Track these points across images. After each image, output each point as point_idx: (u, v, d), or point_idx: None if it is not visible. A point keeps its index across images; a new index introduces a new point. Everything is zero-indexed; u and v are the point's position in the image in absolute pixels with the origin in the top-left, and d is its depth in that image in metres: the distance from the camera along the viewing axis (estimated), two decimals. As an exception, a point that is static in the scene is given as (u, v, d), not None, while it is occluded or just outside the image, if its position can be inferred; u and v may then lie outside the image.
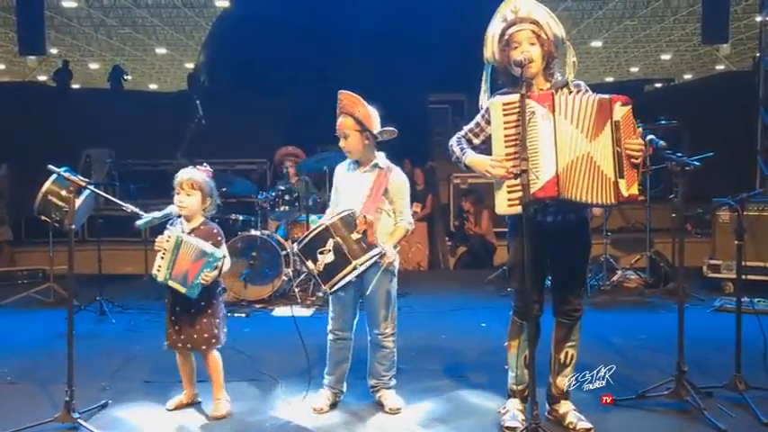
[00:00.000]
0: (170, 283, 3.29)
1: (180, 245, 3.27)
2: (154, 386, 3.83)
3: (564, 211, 3.03)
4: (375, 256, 3.17)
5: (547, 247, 3.04)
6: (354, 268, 3.10)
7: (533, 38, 2.95)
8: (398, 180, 3.45)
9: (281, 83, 11.80)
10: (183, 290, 3.27)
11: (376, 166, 3.44)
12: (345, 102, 3.41)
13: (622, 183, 2.84)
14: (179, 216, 3.43)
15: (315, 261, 3.10)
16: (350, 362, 3.56)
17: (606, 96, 2.87)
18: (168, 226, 3.37)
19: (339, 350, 3.51)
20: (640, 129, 2.94)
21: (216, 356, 3.47)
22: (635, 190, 2.87)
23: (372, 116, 3.42)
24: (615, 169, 2.83)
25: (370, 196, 3.35)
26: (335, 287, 3.14)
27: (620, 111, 2.85)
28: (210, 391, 3.50)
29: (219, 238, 3.42)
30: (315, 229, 3.14)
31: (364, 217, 3.20)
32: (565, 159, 2.82)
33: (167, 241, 3.28)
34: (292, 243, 6.40)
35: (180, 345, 3.42)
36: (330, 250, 3.08)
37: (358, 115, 3.37)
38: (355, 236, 3.12)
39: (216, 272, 3.28)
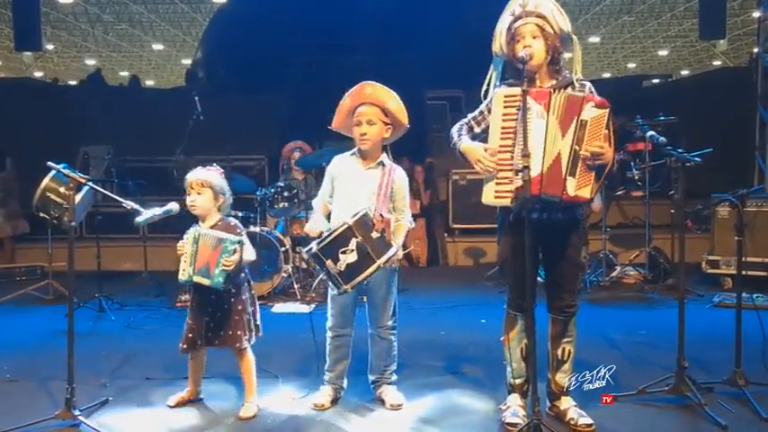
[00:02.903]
0: (195, 278, 3.25)
1: (198, 238, 3.26)
2: (154, 383, 3.82)
3: (550, 209, 3.01)
4: (393, 254, 3.17)
5: (536, 243, 3.02)
6: (378, 267, 3.07)
7: (537, 31, 2.94)
8: (401, 179, 3.46)
9: (279, 79, 11.76)
10: (207, 282, 3.22)
11: (381, 163, 3.43)
12: (374, 93, 3.37)
13: (571, 181, 2.83)
14: (195, 218, 3.39)
15: (335, 261, 3.06)
16: (350, 358, 3.55)
17: (580, 95, 2.86)
18: (187, 232, 3.34)
19: (338, 347, 3.51)
20: (606, 130, 2.87)
21: (250, 356, 3.43)
22: (585, 193, 2.84)
23: (405, 111, 3.41)
24: (568, 166, 2.83)
25: (379, 195, 3.33)
26: (355, 287, 3.12)
27: (591, 112, 2.83)
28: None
29: (239, 231, 3.38)
30: (337, 229, 3.09)
31: (381, 216, 3.19)
32: (549, 159, 2.84)
33: (186, 243, 3.28)
34: (292, 240, 6.41)
35: (213, 342, 3.36)
36: (353, 250, 3.04)
37: (390, 108, 3.36)
38: (375, 235, 3.09)
39: (236, 256, 3.21)
